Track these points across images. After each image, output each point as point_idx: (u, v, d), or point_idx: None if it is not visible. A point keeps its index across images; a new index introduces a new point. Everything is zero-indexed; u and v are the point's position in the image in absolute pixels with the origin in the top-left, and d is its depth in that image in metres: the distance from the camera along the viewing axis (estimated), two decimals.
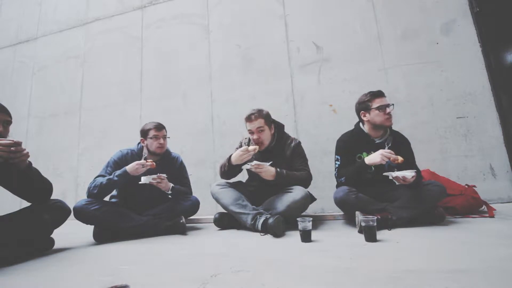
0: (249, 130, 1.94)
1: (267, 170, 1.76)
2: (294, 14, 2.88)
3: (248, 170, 1.86)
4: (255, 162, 1.72)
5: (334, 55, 2.70)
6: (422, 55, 2.47)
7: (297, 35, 2.84)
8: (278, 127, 2.02)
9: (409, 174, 1.49)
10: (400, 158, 1.52)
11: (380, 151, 1.58)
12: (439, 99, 2.38)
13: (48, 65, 3.80)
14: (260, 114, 1.90)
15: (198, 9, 3.23)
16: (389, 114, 1.69)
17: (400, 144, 1.77)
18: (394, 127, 1.85)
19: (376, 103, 1.71)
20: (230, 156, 1.85)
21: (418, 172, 1.63)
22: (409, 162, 1.68)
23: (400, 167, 1.61)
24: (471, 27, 2.38)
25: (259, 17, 2.99)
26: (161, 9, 3.40)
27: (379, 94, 1.73)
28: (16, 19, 4.15)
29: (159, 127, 1.98)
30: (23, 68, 3.93)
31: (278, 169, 1.79)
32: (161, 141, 1.96)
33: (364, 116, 1.77)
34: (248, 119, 1.91)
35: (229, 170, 1.89)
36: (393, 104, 1.73)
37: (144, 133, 1.99)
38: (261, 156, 1.96)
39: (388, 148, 1.69)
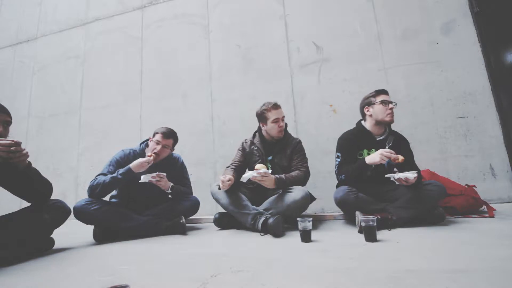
0: (276, 118, 1.93)
1: (269, 178, 1.74)
2: (294, 14, 2.88)
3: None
4: (263, 170, 1.70)
5: (334, 55, 2.70)
6: (422, 55, 2.47)
7: (297, 35, 2.84)
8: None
9: (411, 175, 1.50)
10: (400, 157, 1.53)
11: (380, 151, 1.59)
12: (439, 99, 2.38)
13: (48, 65, 3.80)
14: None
15: (198, 9, 3.23)
16: (391, 110, 1.74)
17: (401, 143, 1.79)
18: (394, 127, 1.86)
19: (380, 98, 1.77)
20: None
21: (418, 172, 1.64)
22: (409, 162, 1.70)
23: (400, 166, 1.61)
24: (471, 27, 2.38)
25: (259, 17, 2.99)
26: (161, 9, 3.40)
27: (383, 91, 1.80)
28: (16, 19, 4.15)
29: (166, 135, 1.93)
30: (23, 68, 3.93)
31: (277, 176, 1.79)
32: (159, 148, 1.89)
33: (368, 111, 1.82)
34: (275, 107, 1.94)
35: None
36: (395, 103, 1.78)
37: (154, 133, 1.98)
38: (264, 151, 2.01)
39: (389, 147, 1.70)
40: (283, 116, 1.97)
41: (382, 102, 1.75)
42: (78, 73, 3.62)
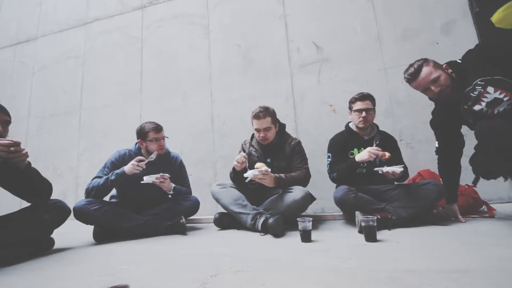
0: (256, 128, 1.93)
1: (269, 177, 1.75)
2: (294, 14, 2.88)
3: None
4: (264, 168, 1.70)
5: (334, 55, 2.70)
6: (422, 55, 2.41)
7: (297, 35, 2.84)
8: (280, 126, 2.05)
9: (398, 169, 1.59)
10: (387, 154, 1.63)
11: (368, 149, 1.68)
12: None
13: (48, 65, 3.80)
14: (268, 112, 1.91)
15: (198, 9, 3.23)
16: (363, 118, 1.81)
17: (387, 141, 1.88)
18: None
19: (356, 106, 1.85)
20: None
21: (405, 167, 1.72)
22: (397, 158, 1.81)
23: (388, 162, 1.68)
24: (471, 27, 2.38)
25: (259, 17, 2.99)
26: (161, 9, 3.40)
27: (360, 98, 1.86)
28: (16, 19, 4.14)
29: (158, 129, 1.94)
30: (23, 68, 3.93)
31: (277, 175, 1.79)
32: (162, 143, 1.95)
33: (350, 114, 1.94)
34: (257, 116, 1.90)
35: (236, 177, 1.93)
36: (372, 109, 1.84)
37: (142, 135, 1.93)
38: (262, 152, 2.00)
39: (376, 145, 1.77)
40: (267, 127, 1.90)
41: (356, 110, 1.84)
42: (78, 73, 3.61)
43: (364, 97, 1.84)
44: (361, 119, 1.82)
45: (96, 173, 1.89)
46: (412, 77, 1.50)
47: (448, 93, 1.44)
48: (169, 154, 2.11)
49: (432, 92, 1.46)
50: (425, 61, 1.48)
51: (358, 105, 1.84)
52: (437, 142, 1.68)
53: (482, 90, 1.33)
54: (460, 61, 1.47)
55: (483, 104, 1.35)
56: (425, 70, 1.46)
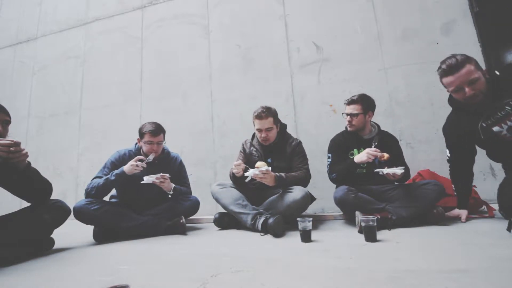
0: (258, 128, 1.93)
1: (270, 176, 1.75)
2: (294, 14, 2.88)
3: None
4: (265, 167, 1.71)
5: (334, 55, 2.70)
6: (422, 55, 2.46)
7: (297, 35, 2.84)
8: (281, 126, 2.05)
9: (398, 171, 1.59)
10: (386, 155, 1.63)
11: (367, 150, 1.68)
12: (439, 99, 2.37)
13: (48, 65, 3.80)
14: (270, 112, 1.92)
15: (198, 9, 3.23)
16: (348, 122, 1.86)
17: (387, 142, 1.87)
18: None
19: (345, 110, 1.87)
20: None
21: (405, 168, 1.70)
22: (398, 158, 1.80)
23: (388, 163, 1.67)
24: (471, 27, 2.38)
25: (259, 17, 2.99)
26: (161, 9, 3.40)
27: (348, 102, 1.87)
28: (16, 19, 4.14)
29: (155, 133, 1.89)
30: (23, 68, 3.93)
31: (277, 174, 1.80)
32: (155, 147, 1.90)
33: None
34: (259, 117, 1.90)
35: (236, 180, 1.93)
36: (358, 114, 1.81)
37: (141, 134, 1.93)
38: (263, 152, 2.00)
39: (375, 146, 1.77)
40: (269, 128, 1.90)
41: (344, 114, 1.87)
42: (78, 73, 3.61)
43: (351, 101, 1.84)
44: (347, 122, 1.86)
45: (96, 173, 1.89)
46: (450, 69, 1.33)
47: (479, 100, 1.32)
48: (169, 154, 2.11)
49: (464, 94, 1.32)
50: (468, 57, 1.32)
51: (346, 109, 1.87)
52: (448, 151, 1.65)
53: (511, 112, 1.27)
54: (498, 73, 1.35)
55: (505, 127, 1.30)
56: (468, 67, 1.30)
